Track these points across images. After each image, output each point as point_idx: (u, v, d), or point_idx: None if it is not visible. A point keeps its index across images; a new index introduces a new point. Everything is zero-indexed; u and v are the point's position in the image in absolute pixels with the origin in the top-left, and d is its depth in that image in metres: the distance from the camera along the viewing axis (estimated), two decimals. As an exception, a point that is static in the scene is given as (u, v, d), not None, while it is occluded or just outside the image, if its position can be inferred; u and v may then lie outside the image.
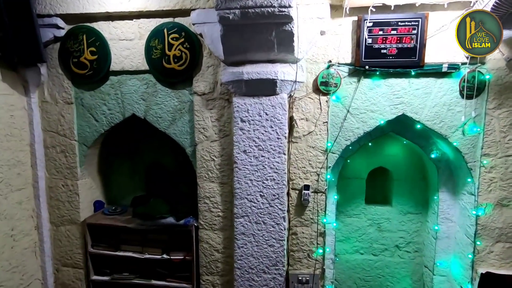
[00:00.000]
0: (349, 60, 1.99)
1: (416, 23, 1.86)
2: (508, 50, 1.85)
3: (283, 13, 1.67)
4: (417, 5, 1.83)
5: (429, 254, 2.42)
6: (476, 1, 1.76)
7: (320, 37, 1.99)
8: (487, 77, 1.88)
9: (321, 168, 2.10)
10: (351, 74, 2.01)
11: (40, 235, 2.45)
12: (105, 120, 2.32)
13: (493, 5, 1.43)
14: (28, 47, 2.10)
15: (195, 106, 2.16)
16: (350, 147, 2.12)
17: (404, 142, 2.32)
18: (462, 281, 2.14)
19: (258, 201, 2.09)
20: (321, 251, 2.18)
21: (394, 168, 2.50)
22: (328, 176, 2.10)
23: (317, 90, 2.03)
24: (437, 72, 1.93)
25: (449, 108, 1.96)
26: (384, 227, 2.56)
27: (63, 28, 2.22)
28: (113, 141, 2.58)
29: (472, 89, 1.90)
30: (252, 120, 2.03)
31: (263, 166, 2.06)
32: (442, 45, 1.90)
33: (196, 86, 2.15)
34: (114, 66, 2.21)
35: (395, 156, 2.49)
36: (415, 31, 1.87)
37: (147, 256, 2.37)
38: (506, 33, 1.55)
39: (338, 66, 2.00)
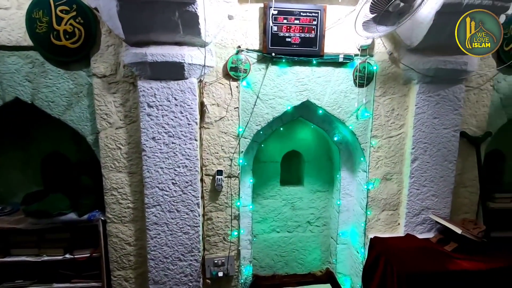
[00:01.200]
0: (257, 47, 2.03)
1: (316, 14, 1.99)
2: (389, 45, 2.12)
3: (185, -8, 1.60)
4: (316, -4, 1.95)
5: (334, 226, 2.72)
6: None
7: (229, 21, 1.98)
8: (374, 68, 2.14)
9: (233, 153, 2.13)
10: (260, 60, 2.06)
11: None
12: (-21, 104, 1.94)
13: (371, 2, 1.60)
14: None
15: (94, 90, 1.95)
16: (261, 132, 2.20)
17: (312, 126, 2.51)
18: (358, 246, 2.47)
19: (171, 189, 2.04)
20: (236, 233, 2.24)
21: (305, 151, 2.70)
22: (241, 161, 2.16)
23: (227, 75, 2.03)
24: (335, 62, 2.11)
25: (346, 95, 2.18)
26: (297, 206, 2.76)
27: None
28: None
29: (363, 78, 2.14)
30: (160, 105, 1.94)
31: (174, 153, 2.00)
32: (339, 37, 2.07)
33: (95, 67, 1.94)
34: (-14, 39, 1.84)
35: (305, 140, 2.68)
36: (315, 22, 2.00)
37: (46, 258, 2.11)
38: (385, 29, 1.77)
39: (247, 52, 2.02)
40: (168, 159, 1.99)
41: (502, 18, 2.15)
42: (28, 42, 1.85)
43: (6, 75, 1.91)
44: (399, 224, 2.36)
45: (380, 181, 2.30)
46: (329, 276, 2.75)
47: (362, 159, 2.31)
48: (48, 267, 2.16)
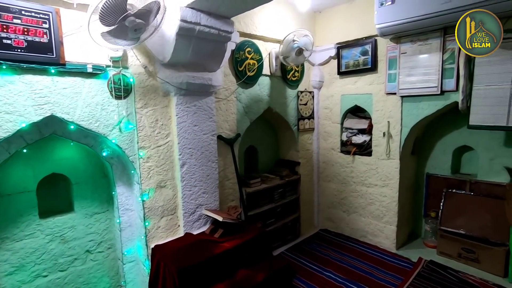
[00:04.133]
0: (-48, 46, 1.50)
1: (47, 16, 1.72)
2: (143, 58, 2.19)
3: None
4: (41, -4, 1.68)
5: (118, 246, 2.54)
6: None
7: None
8: (131, 80, 2.14)
9: None
10: (-38, 65, 1.53)
11: None
12: None
13: (99, 14, 1.56)
14: None
15: None
16: (-19, 159, 1.67)
17: (71, 143, 2.19)
18: (143, 260, 2.42)
19: None
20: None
21: (71, 172, 2.33)
22: None
23: None
24: (84, 72, 1.93)
25: (103, 108, 2.05)
26: (69, 237, 2.35)
27: None
28: None
29: (120, 90, 2.09)
30: None
31: None
32: (83, 45, 1.90)
33: None
34: None
35: (70, 159, 2.32)
36: (46, 25, 1.72)
37: None
38: (125, 43, 1.79)
39: None
40: None
41: (233, 45, 2.76)
42: None
43: None
44: (179, 226, 2.52)
45: (155, 189, 2.36)
46: (120, 301, 2.55)
47: (133, 171, 2.27)
48: None
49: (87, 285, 2.46)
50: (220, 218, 2.37)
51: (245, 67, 2.94)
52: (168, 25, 2.05)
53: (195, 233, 2.51)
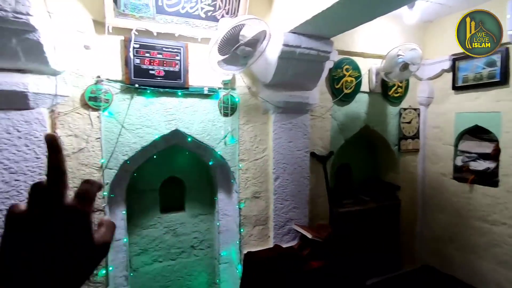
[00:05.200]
0: (119, 77, 2.04)
1: (179, 50, 2.15)
2: (247, 80, 2.45)
3: (21, 20, 1.50)
4: (176, 35, 2.11)
5: (217, 247, 2.83)
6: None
7: (86, 51, 1.93)
8: (237, 99, 2.42)
9: (97, 185, 2.02)
10: (124, 91, 2.06)
11: None
12: None
13: (218, 46, 1.86)
14: None
15: None
16: (128, 162, 2.17)
17: (187, 153, 2.61)
18: (236, 264, 2.63)
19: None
20: (104, 271, 2.09)
21: (184, 177, 2.77)
22: (105, 194, 2.06)
23: (86, 105, 1.95)
24: (200, 94, 2.30)
25: (213, 124, 2.38)
26: (179, 232, 2.77)
27: None
28: None
29: (228, 109, 2.39)
30: (-3, 138, 1.70)
31: (18, 192, 1.76)
32: (202, 71, 2.28)
33: None
34: None
35: (184, 165, 2.76)
36: (178, 57, 2.15)
37: None
38: (235, 68, 2.06)
39: (109, 82, 2.01)
40: (9, 198, 1.74)
41: (331, 64, 2.79)
42: None
43: None
44: (269, 236, 2.64)
45: (250, 199, 2.55)
46: (214, 298, 2.81)
47: (232, 181, 2.53)
48: None
49: (189, 276, 2.83)
50: (309, 236, 2.37)
51: (342, 85, 2.91)
52: (271, 49, 2.25)
53: (284, 246, 2.57)
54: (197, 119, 2.32)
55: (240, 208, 2.51)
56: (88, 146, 1.98)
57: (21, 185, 1.76)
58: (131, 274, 2.50)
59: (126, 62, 2.01)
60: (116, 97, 2.03)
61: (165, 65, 2.11)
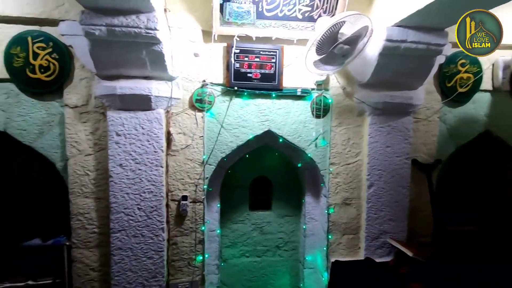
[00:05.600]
0: (221, 81, 2.22)
1: (275, 53, 2.21)
2: (342, 80, 2.34)
3: (150, 34, 1.79)
4: (273, 38, 2.16)
5: (301, 250, 2.79)
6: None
7: (195, 58, 2.17)
8: (330, 101, 2.34)
9: (198, 179, 2.24)
10: (224, 93, 2.23)
11: None
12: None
13: (316, 46, 1.82)
14: None
15: (66, 119, 2.08)
16: (225, 159, 2.33)
17: (276, 153, 2.66)
18: (322, 270, 2.53)
19: (136, 214, 2.11)
20: (201, 258, 2.29)
21: (272, 177, 2.82)
22: (206, 187, 2.26)
23: (193, 106, 2.19)
24: (293, 95, 2.31)
25: (305, 125, 2.35)
26: (266, 230, 2.84)
27: None
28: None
29: (320, 110, 2.33)
30: (128, 134, 2.06)
31: (140, 179, 2.10)
32: (296, 73, 2.28)
33: (68, 98, 2.07)
34: (-36, 71, 1.98)
35: (273, 166, 2.81)
36: (274, 60, 2.21)
37: (7, 285, 2.11)
38: (332, 68, 1.98)
39: (212, 85, 2.20)
40: (134, 185, 2.09)
41: (442, 59, 2.43)
42: (4, 75, 1.99)
43: (-19, 105, 2.02)
44: (359, 247, 2.46)
45: (340, 205, 2.42)
46: (297, 302, 2.77)
47: (322, 184, 2.45)
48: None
49: (273, 275, 2.86)
50: (410, 253, 2.10)
51: (455, 83, 2.49)
52: (371, 46, 2.09)
53: (377, 260, 2.35)
54: (289, 120, 2.33)
55: (329, 214, 2.41)
56: (193, 143, 2.22)
57: (142, 174, 2.09)
58: (222, 264, 2.68)
59: (228, 66, 2.17)
60: (217, 99, 2.22)
61: (261, 68, 2.20)
